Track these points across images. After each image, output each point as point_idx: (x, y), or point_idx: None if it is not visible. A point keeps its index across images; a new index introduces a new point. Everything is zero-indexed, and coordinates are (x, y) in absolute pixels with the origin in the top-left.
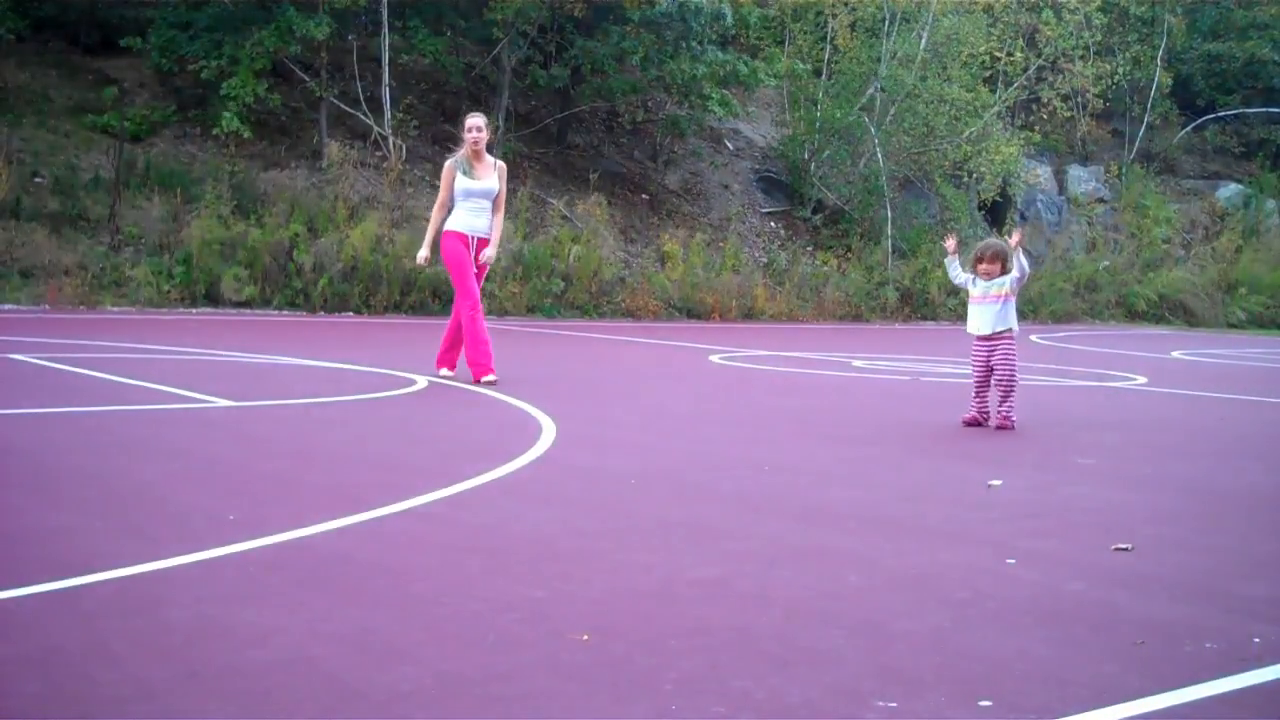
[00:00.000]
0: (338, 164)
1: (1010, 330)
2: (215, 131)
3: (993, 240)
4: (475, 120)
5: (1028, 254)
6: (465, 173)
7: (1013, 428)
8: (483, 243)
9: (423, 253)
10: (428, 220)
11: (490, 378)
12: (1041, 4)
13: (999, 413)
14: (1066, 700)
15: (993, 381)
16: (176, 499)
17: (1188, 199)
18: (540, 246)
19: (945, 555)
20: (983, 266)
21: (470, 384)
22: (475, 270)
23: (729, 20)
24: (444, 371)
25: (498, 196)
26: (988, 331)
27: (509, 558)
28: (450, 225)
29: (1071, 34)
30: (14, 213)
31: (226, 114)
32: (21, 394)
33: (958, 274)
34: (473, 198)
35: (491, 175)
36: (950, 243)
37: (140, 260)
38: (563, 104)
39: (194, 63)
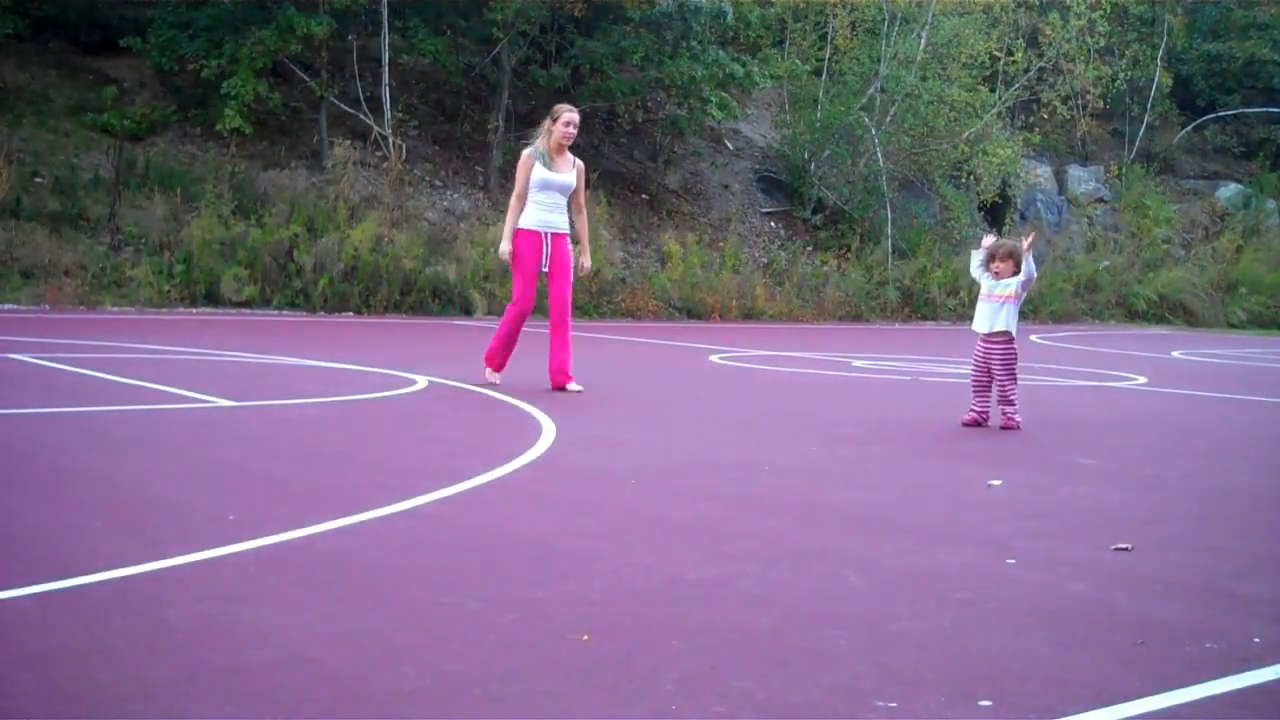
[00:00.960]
0: (341, 164)
1: (1008, 333)
2: (218, 129)
3: (1009, 240)
4: (573, 115)
5: (1035, 257)
6: (545, 164)
7: (1018, 428)
8: (558, 238)
9: (504, 247)
10: (428, 220)
11: (494, 377)
12: (1046, 4)
13: (1003, 413)
14: (1066, 700)
15: (994, 385)
16: (176, 499)
17: (1188, 199)
18: None
19: (945, 555)
20: (995, 264)
21: (468, 384)
22: (559, 268)
23: (729, 19)
24: (572, 386)
25: (576, 196)
26: (985, 330)
27: (509, 558)
28: (522, 222)
29: (1074, 38)
30: (14, 213)
31: (228, 111)
32: (21, 394)
33: (977, 268)
34: (549, 191)
35: (571, 171)
36: (987, 239)
37: (140, 260)
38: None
39: (194, 62)
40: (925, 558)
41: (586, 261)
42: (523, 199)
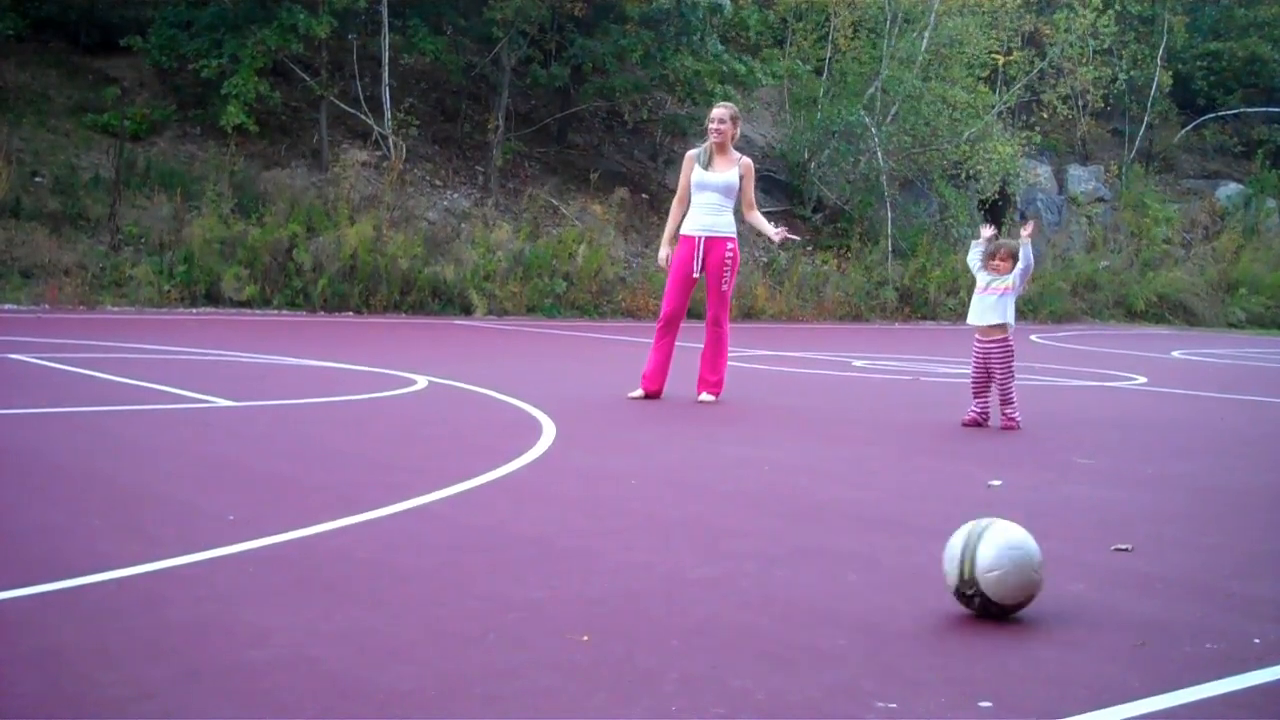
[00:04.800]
0: (349, 166)
1: (1005, 326)
2: (221, 125)
3: (1009, 240)
4: (720, 110)
5: (1035, 256)
6: (702, 165)
7: (1018, 428)
8: (712, 243)
9: (663, 251)
10: (429, 221)
11: (636, 393)
12: (1047, 4)
13: (1003, 414)
14: (1066, 700)
15: (993, 386)
16: (176, 499)
17: (1188, 198)
18: (541, 246)
19: None
20: (994, 263)
21: (468, 384)
22: (709, 274)
23: (727, 11)
24: (704, 396)
25: (744, 197)
26: (982, 323)
27: (509, 558)
28: (683, 227)
29: (1077, 42)
30: (14, 212)
31: (231, 108)
32: (21, 394)
33: (975, 260)
34: (706, 191)
35: (732, 170)
36: (987, 230)
37: (140, 260)
38: (563, 103)
39: (194, 61)
40: (925, 557)
41: (781, 231)
42: (683, 202)
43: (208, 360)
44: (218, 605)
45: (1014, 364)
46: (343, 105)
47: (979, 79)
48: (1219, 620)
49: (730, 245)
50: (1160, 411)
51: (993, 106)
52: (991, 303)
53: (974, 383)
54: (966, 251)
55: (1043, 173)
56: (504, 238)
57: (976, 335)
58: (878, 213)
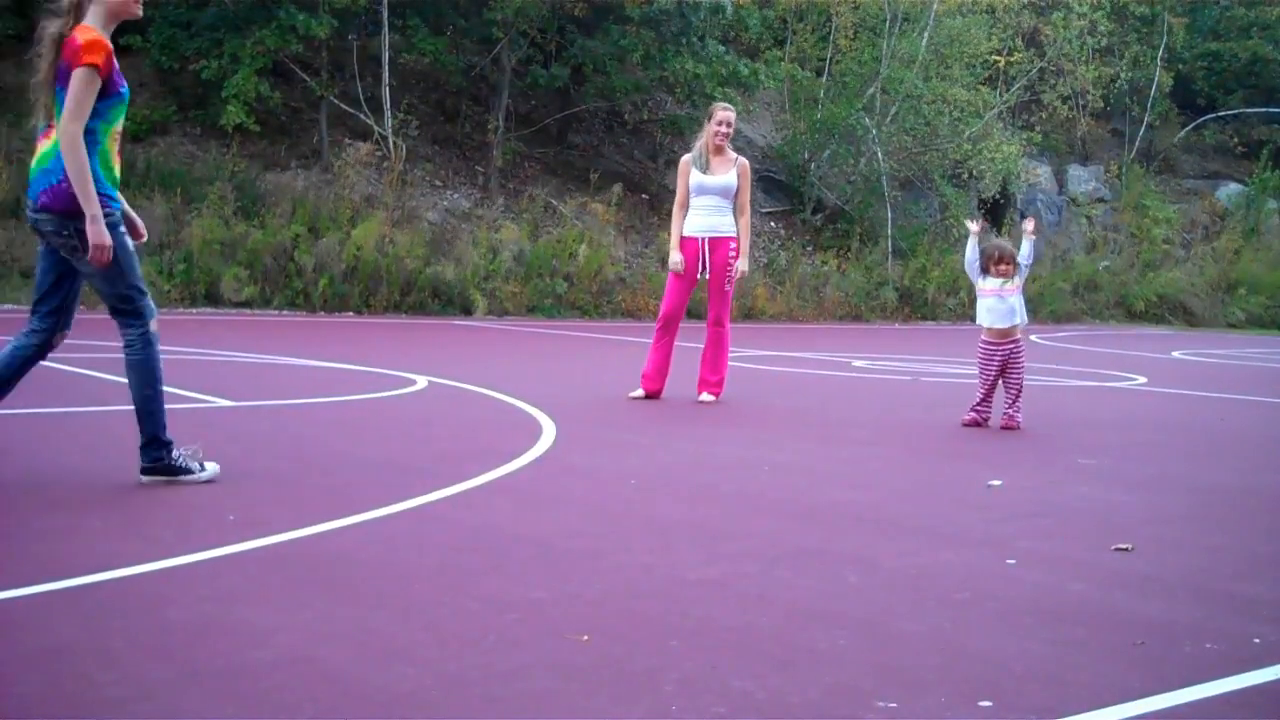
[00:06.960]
0: (352, 165)
1: (1019, 326)
2: (222, 124)
3: (999, 241)
4: (727, 113)
5: (1035, 254)
6: (700, 168)
7: (1019, 428)
8: (715, 243)
9: (674, 256)
10: (428, 221)
11: (637, 393)
12: (1048, 6)
13: (1005, 414)
14: (1066, 700)
15: (1003, 383)
16: (176, 499)
17: (1188, 199)
18: (541, 247)
19: (945, 555)
20: (1001, 267)
21: (468, 384)
22: (712, 274)
23: (728, 13)
24: (704, 396)
25: (739, 198)
26: (1004, 325)
27: (509, 558)
28: (685, 229)
29: (1075, 39)
30: (14, 212)
31: (231, 108)
32: (22, 394)
33: (974, 263)
34: (706, 194)
35: (730, 171)
36: (975, 225)
37: (140, 260)
38: (563, 104)
39: (194, 61)
40: (925, 558)
41: (742, 264)
42: (684, 207)
43: (208, 360)
44: (218, 605)
45: (1026, 365)
46: (343, 105)
47: (979, 79)
48: (1219, 620)
49: (733, 245)
50: (1160, 412)
51: (993, 107)
52: (1011, 304)
53: (983, 385)
54: (966, 252)
55: (1043, 173)
56: (509, 238)
57: (988, 338)
58: (878, 213)
